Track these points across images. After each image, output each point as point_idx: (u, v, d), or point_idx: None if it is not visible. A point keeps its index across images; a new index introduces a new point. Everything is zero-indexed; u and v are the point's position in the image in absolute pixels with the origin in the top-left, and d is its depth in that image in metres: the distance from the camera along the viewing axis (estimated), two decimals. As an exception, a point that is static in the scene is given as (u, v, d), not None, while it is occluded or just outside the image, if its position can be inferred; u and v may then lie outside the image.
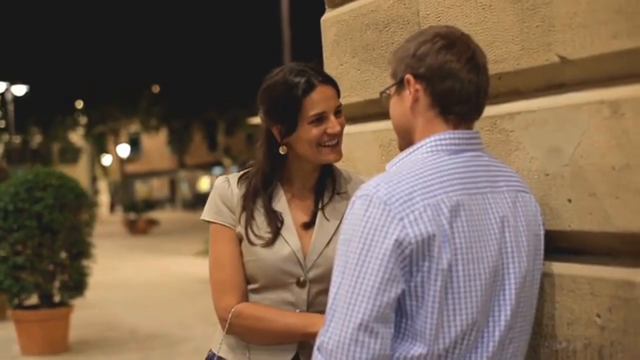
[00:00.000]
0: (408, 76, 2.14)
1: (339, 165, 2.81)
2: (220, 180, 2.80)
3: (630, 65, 2.06)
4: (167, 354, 9.40)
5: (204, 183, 64.37)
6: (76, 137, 52.07)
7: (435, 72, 2.10)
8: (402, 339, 2.00)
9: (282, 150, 2.71)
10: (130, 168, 60.06)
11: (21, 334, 9.55)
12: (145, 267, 19.92)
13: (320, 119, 2.64)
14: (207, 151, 58.65)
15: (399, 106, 2.21)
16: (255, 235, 2.67)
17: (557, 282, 2.26)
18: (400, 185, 1.99)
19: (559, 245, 2.30)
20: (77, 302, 9.98)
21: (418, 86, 2.13)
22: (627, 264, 2.11)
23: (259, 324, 2.63)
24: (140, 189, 63.80)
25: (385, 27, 2.87)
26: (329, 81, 2.70)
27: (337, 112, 2.67)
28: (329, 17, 3.23)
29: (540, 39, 2.28)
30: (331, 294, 1.99)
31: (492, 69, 2.42)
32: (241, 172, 2.81)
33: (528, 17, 2.31)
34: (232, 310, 2.63)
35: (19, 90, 36.42)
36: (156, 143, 58.33)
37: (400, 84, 2.18)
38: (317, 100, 2.64)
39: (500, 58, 2.42)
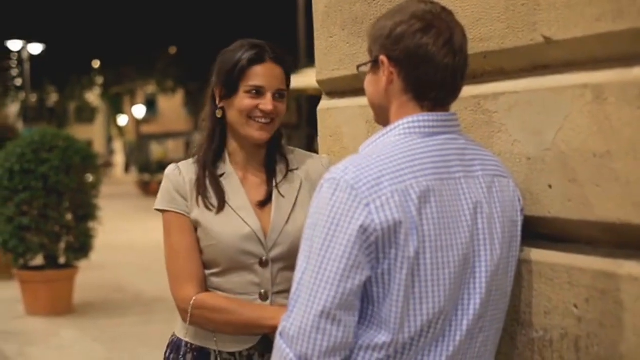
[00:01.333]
0: (382, 57, 2.07)
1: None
2: (171, 168, 2.78)
3: (614, 48, 1.98)
4: (170, 318, 9.39)
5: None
6: (92, 96, 52.13)
7: (410, 56, 2.02)
8: (367, 327, 1.95)
9: (218, 113, 2.74)
10: (146, 129, 60.13)
11: (26, 294, 9.61)
12: (154, 229, 19.84)
13: (257, 92, 2.67)
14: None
15: (373, 84, 2.14)
16: (210, 204, 2.67)
17: (536, 270, 2.20)
18: (369, 169, 1.93)
19: (540, 231, 2.24)
20: (83, 264, 10.01)
21: (392, 69, 2.06)
22: (606, 254, 2.05)
23: (219, 316, 2.63)
24: (156, 150, 63.75)
25: (374, 0, 2.80)
26: (282, 62, 2.73)
27: (280, 95, 2.71)
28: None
29: (526, 18, 2.20)
30: (296, 279, 1.94)
31: (478, 47, 2.37)
32: (190, 160, 2.81)
33: (514, -5, 2.23)
34: (192, 301, 2.62)
35: (35, 48, 36.34)
36: (172, 104, 58.22)
37: (375, 63, 2.11)
38: (261, 73, 2.68)
39: (486, 36, 2.35)
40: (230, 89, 2.70)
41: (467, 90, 2.41)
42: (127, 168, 62.82)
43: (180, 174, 2.73)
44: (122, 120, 60.33)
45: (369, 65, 2.14)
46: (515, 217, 2.13)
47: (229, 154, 2.77)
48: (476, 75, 2.43)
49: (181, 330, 2.76)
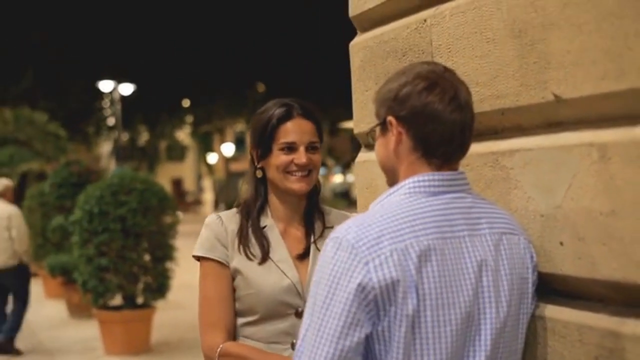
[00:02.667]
0: (390, 118, 2.11)
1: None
2: (212, 217, 2.88)
3: (617, 107, 1.99)
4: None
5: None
6: (183, 135, 53.01)
7: (417, 115, 2.07)
8: None
9: (258, 174, 2.87)
10: (235, 166, 60.79)
11: (104, 333, 9.80)
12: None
13: (290, 148, 2.79)
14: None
15: (383, 147, 2.18)
16: (252, 253, 2.76)
17: (550, 326, 2.20)
18: (370, 228, 1.97)
19: (553, 288, 2.24)
20: (160, 304, 10.16)
21: (400, 129, 2.10)
22: (614, 312, 2.04)
23: None
24: (244, 188, 64.38)
25: (404, 55, 2.84)
26: (310, 117, 2.85)
27: (312, 147, 2.82)
28: (357, 43, 3.21)
29: (537, 76, 2.22)
30: (300, 335, 1.99)
31: (495, 104, 2.39)
32: (233, 210, 2.90)
33: (527, 52, 2.25)
34: (218, 349, 2.68)
35: (126, 89, 37.18)
36: (261, 142, 58.77)
37: (383, 125, 2.15)
38: (291, 129, 2.80)
39: (502, 93, 2.37)
40: (265, 149, 2.83)
41: (487, 146, 2.45)
42: (216, 205, 63.51)
43: (222, 224, 2.82)
44: (212, 158, 61.14)
45: (378, 129, 2.19)
46: (526, 274, 2.15)
47: (271, 209, 2.87)
48: (495, 132, 2.46)
49: None
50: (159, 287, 9.92)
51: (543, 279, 2.24)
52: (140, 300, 9.98)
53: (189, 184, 62.68)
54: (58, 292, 13.12)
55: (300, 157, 2.77)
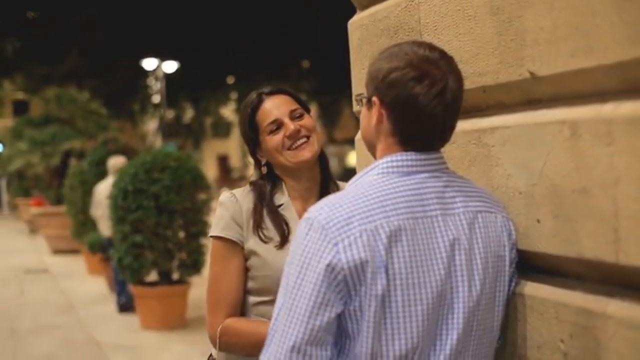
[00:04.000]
0: (374, 98, 2.12)
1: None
2: (227, 196, 2.84)
3: (586, 84, 1.98)
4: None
5: (352, 158, 64.77)
6: (227, 112, 53.17)
7: (399, 104, 2.06)
8: None
9: (263, 170, 2.86)
10: (280, 142, 60.80)
11: (141, 309, 9.93)
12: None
13: (277, 127, 2.77)
14: (355, 126, 58.82)
15: (366, 119, 2.20)
16: (267, 236, 2.73)
17: (529, 304, 2.20)
18: (341, 209, 1.99)
19: (533, 265, 2.24)
20: (195, 280, 10.26)
21: (383, 111, 2.10)
22: (590, 290, 2.03)
23: (244, 339, 2.70)
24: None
25: (395, 34, 2.84)
26: (279, 91, 2.86)
27: (296, 116, 2.81)
28: (354, 21, 3.21)
29: (515, 53, 2.21)
30: (274, 314, 2.02)
31: (477, 81, 2.40)
32: (246, 188, 2.88)
33: (504, 29, 2.25)
34: (219, 329, 2.70)
35: (170, 66, 37.37)
36: (305, 118, 58.78)
37: (368, 101, 2.16)
38: (267, 109, 2.81)
39: (483, 71, 2.36)
40: (254, 142, 2.85)
41: (471, 124, 2.45)
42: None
43: (237, 202, 2.80)
44: (257, 134, 61.12)
45: (364, 100, 2.20)
46: (502, 252, 2.15)
47: (287, 189, 2.85)
48: (479, 109, 2.45)
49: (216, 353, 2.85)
50: (194, 263, 10.01)
51: (522, 256, 2.24)
52: (175, 276, 10.08)
53: (234, 161, 62.89)
54: (98, 268, 13.29)
55: (288, 127, 2.77)
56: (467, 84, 2.39)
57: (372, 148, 2.20)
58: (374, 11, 3.01)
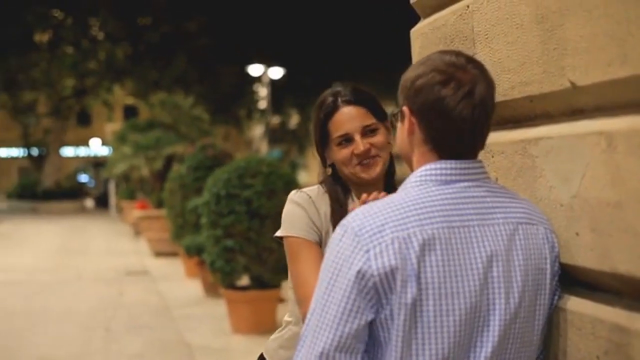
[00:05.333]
0: (405, 108, 2.12)
1: None
2: (302, 195, 2.81)
3: (623, 95, 1.93)
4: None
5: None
6: (333, 118, 53.28)
7: (428, 109, 2.06)
8: None
9: (327, 171, 2.82)
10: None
11: (232, 312, 10.03)
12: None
13: (346, 140, 2.72)
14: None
15: (400, 134, 2.19)
16: None
17: (569, 318, 2.16)
18: (376, 216, 1.99)
19: (574, 278, 2.20)
20: (287, 284, 10.30)
21: (413, 120, 2.10)
22: (625, 306, 1.99)
23: None
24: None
25: (451, 42, 2.82)
26: (357, 101, 2.76)
27: (369, 131, 2.73)
28: (416, 29, 3.19)
29: (557, 63, 2.17)
30: (306, 319, 2.02)
31: (524, 91, 2.37)
32: (316, 187, 2.85)
33: (548, 38, 2.21)
34: None
35: (276, 73, 37.74)
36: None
37: (400, 113, 2.16)
38: (340, 121, 2.74)
39: (529, 80, 2.33)
40: (322, 147, 2.81)
41: (519, 134, 2.43)
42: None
43: (314, 204, 2.77)
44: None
45: (400, 115, 2.19)
46: (543, 264, 2.11)
47: (353, 193, 2.83)
48: (526, 119, 2.42)
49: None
50: (285, 268, 10.03)
51: (564, 270, 2.20)
52: (266, 281, 10.16)
53: (339, 167, 63.07)
54: (195, 271, 13.50)
55: (358, 146, 2.72)
56: (515, 94, 2.38)
57: (408, 160, 2.19)
58: (434, 19, 3.00)
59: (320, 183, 2.87)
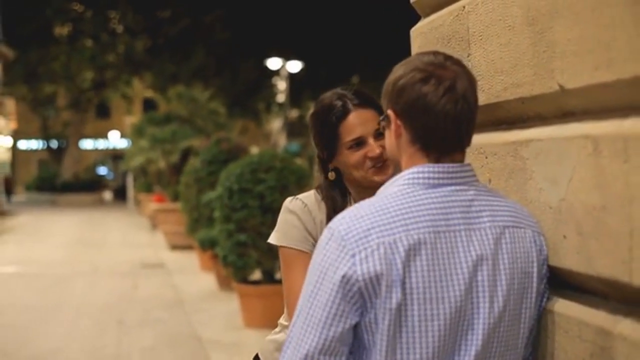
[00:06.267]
0: (389, 112, 2.12)
1: None
2: (298, 204, 2.79)
3: (609, 99, 1.93)
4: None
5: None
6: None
7: (411, 108, 2.06)
8: None
9: (330, 176, 2.77)
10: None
11: (244, 307, 10.05)
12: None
13: (359, 143, 2.68)
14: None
15: (389, 138, 2.19)
16: None
17: (557, 320, 2.17)
18: (362, 220, 1.99)
19: (562, 281, 2.20)
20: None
21: (399, 122, 2.10)
22: (610, 309, 1.99)
23: None
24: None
25: (448, 42, 2.82)
26: (367, 103, 2.73)
27: (380, 133, 2.66)
28: (416, 29, 3.19)
29: (546, 65, 2.17)
30: (292, 321, 2.03)
31: (516, 92, 2.37)
32: (312, 194, 2.84)
33: (538, 40, 2.21)
34: None
35: (294, 66, 37.77)
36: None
37: (386, 118, 2.16)
38: (353, 125, 2.70)
39: (520, 82, 2.32)
40: (332, 151, 2.75)
41: (511, 135, 2.43)
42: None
43: (310, 213, 2.76)
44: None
45: (385, 121, 2.19)
46: (530, 268, 2.11)
47: (353, 197, 2.80)
48: (518, 121, 2.42)
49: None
50: (297, 263, 10.05)
51: (553, 272, 2.20)
52: (278, 275, 10.17)
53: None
54: (210, 265, 13.53)
55: (373, 149, 2.69)
56: (507, 95, 2.39)
57: (398, 164, 2.19)
58: (432, 19, 3.00)
59: (316, 189, 2.85)
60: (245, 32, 37.82)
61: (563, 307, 2.16)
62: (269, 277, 10.06)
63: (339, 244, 1.97)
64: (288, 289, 2.77)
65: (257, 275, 10.25)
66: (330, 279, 1.96)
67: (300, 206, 2.77)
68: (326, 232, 2.04)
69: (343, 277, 1.94)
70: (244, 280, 10.13)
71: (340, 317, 1.95)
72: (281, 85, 40.88)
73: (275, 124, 49.37)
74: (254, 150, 18.17)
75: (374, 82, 35.01)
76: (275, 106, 44.89)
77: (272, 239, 2.83)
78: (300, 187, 9.93)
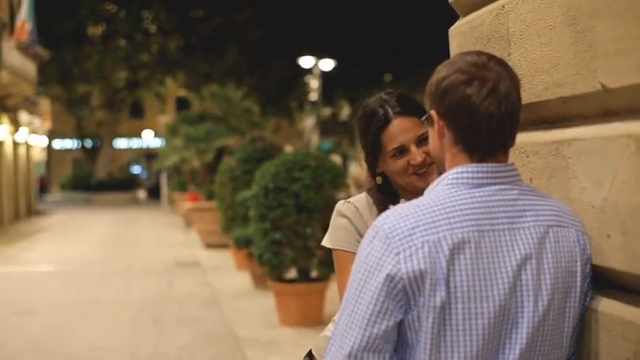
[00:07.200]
0: (432, 112, 2.14)
1: None
2: (349, 207, 2.83)
3: (653, 99, 1.93)
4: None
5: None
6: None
7: (454, 110, 2.07)
8: None
9: (378, 181, 2.80)
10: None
11: (280, 305, 10.10)
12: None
13: (401, 151, 2.71)
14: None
15: (432, 138, 2.21)
16: None
17: (601, 320, 2.16)
18: (407, 219, 2.01)
19: (606, 280, 2.20)
20: (334, 278, 10.34)
21: (442, 123, 2.12)
22: (656, 308, 1.99)
23: None
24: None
25: (488, 42, 2.82)
26: (408, 111, 2.75)
27: (423, 140, 2.70)
28: (455, 28, 3.19)
29: (589, 65, 2.17)
30: (337, 319, 2.05)
31: (557, 92, 2.37)
32: (363, 197, 2.86)
33: (580, 40, 2.21)
34: None
35: (327, 65, 37.76)
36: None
37: (430, 119, 2.17)
38: (394, 134, 2.73)
39: (562, 82, 2.32)
40: (375, 159, 2.79)
41: (552, 135, 2.43)
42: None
43: (361, 217, 2.79)
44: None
45: (429, 121, 2.21)
46: (574, 267, 2.11)
47: (403, 200, 2.80)
48: (560, 120, 2.42)
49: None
50: (333, 262, 10.04)
51: (597, 272, 2.20)
52: (314, 274, 10.20)
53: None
54: (245, 263, 13.59)
55: (415, 157, 2.71)
56: (548, 95, 2.39)
57: (442, 165, 2.20)
58: (472, 18, 3.00)
59: (368, 192, 2.88)
60: (278, 31, 37.91)
61: (607, 306, 2.16)
62: (305, 276, 10.10)
63: (384, 243, 1.99)
64: (340, 288, 2.83)
65: (292, 274, 10.27)
66: (375, 277, 1.97)
67: (352, 210, 2.81)
68: (371, 231, 2.05)
69: (388, 275, 1.95)
70: (280, 279, 10.17)
71: (385, 315, 1.96)
72: (314, 83, 40.86)
73: (308, 123, 49.40)
74: (288, 149, 18.20)
75: (407, 80, 34.93)
76: (308, 105, 44.92)
77: (325, 242, 2.87)
78: (336, 185, 9.97)
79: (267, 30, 37.91)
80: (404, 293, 1.96)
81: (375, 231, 2.03)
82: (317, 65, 37.60)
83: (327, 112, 46.92)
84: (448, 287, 1.95)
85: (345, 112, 48.83)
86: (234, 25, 38.31)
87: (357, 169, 49.75)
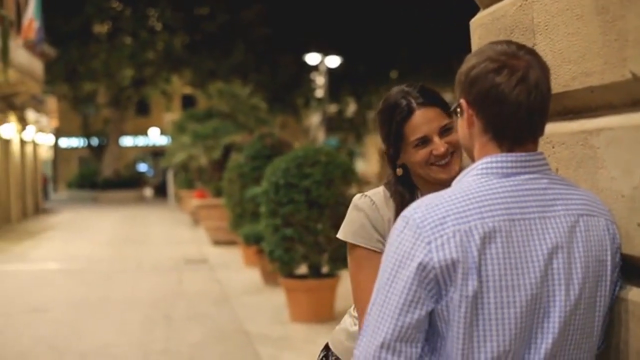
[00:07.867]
0: (462, 101, 2.14)
1: None
2: (366, 200, 2.82)
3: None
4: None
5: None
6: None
7: (484, 98, 2.08)
8: (437, 358, 2.03)
9: (398, 172, 2.80)
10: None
11: (290, 301, 10.10)
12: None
13: (424, 141, 2.71)
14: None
15: (461, 127, 2.22)
16: None
17: (631, 309, 2.16)
18: (437, 209, 2.01)
19: (637, 268, 2.20)
20: (345, 273, 10.32)
21: (471, 111, 2.12)
22: (688, 297, 1.99)
23: None
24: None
25: (511, 33, 2.82)
26: (431, 102, 2.75)
27: (445, 130, 2.72)
28: (476, 20, 3.19)
29: (618, 54, 2.17)
30: (368, 310, 2.05)
31: (585, 81, 2.36)
32: (380, 190, 2.86)
33: (609, 29, 2.20)
34: None
35: (333, 61, 37.71)
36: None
37: (459, 107, 2.18)
38: (417, 124, 2.73)
39: (590, 71, 2.32)
40: (397, 149, 2.79)
41: (579, 125, 2.43)
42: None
43: (378, 210, 2.79)
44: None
45: (459, 109, 2.21)
46: (604, 256, 2.11)
47: (421, 193, 2.80)
48: (587, 110, 2.42)
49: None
50: (343, 257, 10.04)
51: (626, 261, 2.20)
52: (325, 269, 10.20)
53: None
54: (254, 260, 13.59)
55: (438, 147, 2.72)
56: (576, 84, 2.38)
57: (470, 153, 2.21)
58: (493, 10, 3.00)
59: (385, 185, 2.88)
60: (284, 28, 37.87)
61: (637, 295, 2.15)
62: (315, 272, 10.10)
63: (415, 232, 1.99)
64: (355, 289, 2.82)
65: (303, 269, 10.27)
66: (407, 266, 1.97)
67: (368, 203, 2.80)
68: (400, 221, 2.05)
69: (419, 264, 1.96)
70: (290, 274, 10.18)
71: (417, 304, 1.96)
72: (320, 80, 40.79)
73: (314, 119, 49.35)
74: (296, 145, 18.19)
75: (413, 76, 34.80)
76: (314, 101, 44.83)
77: (340, 234, 2.87)
78: (346, 180, 9.97)
79: (272, 27, 37.89)
80: (435, 282, 1.96)
81: (405, 221, 2.04)
82: (323, 61, 37.55)
83: (332, 108, 46.82)
84: (480, 276, 1.95)
85: (351, 108, 48.74)
86: (239, 22, 38.30)
87: (363, 166, 49.72)
